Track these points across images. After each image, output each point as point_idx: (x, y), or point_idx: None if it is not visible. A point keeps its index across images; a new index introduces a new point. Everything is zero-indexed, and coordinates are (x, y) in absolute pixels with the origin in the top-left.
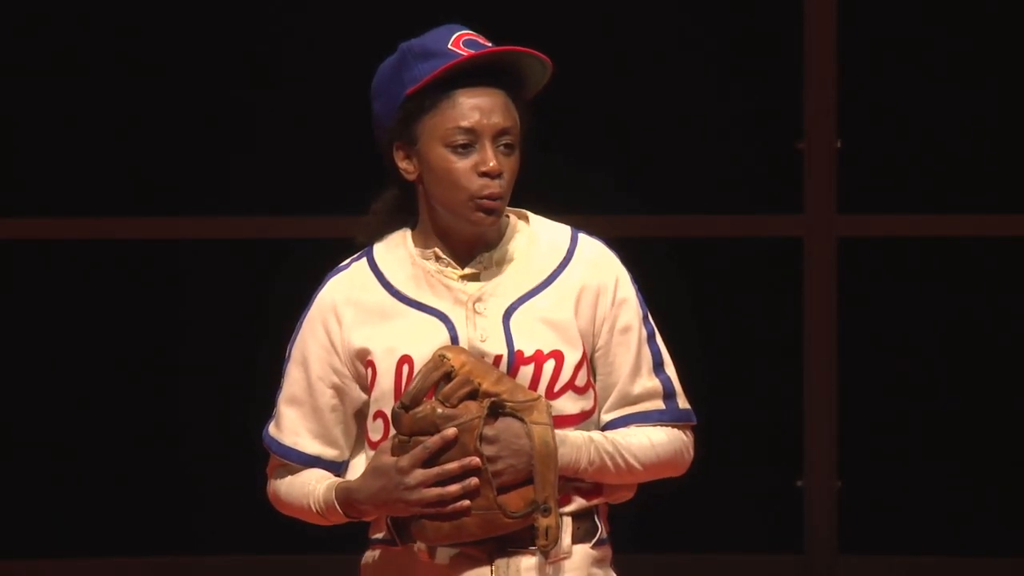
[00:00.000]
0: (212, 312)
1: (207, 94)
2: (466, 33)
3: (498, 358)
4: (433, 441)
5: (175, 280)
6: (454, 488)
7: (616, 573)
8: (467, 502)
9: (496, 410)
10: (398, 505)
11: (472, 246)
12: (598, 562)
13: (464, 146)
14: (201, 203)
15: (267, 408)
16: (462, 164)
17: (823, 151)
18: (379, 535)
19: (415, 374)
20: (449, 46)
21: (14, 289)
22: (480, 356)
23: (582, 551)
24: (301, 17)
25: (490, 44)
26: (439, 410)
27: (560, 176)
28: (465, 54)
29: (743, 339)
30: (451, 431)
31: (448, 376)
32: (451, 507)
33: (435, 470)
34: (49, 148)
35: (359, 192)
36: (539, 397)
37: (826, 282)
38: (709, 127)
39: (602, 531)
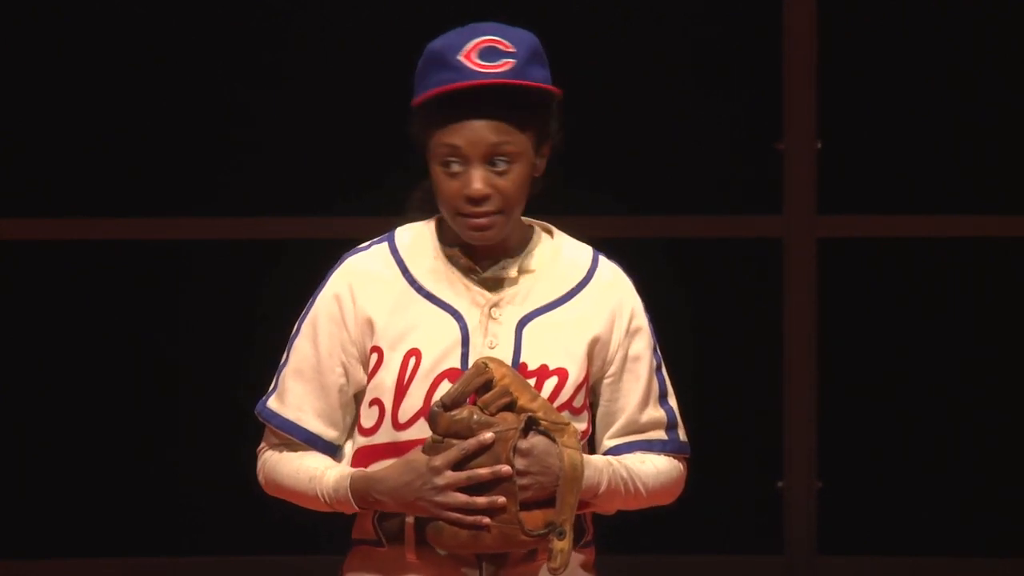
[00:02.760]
0: (211, 312)
1: (207, 94)
2: (485, 40)
3: None
4: (470, 443)
5: (174, 280)
6: (481, 500)
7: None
8: (487, 519)
9: (531, 426)
10: (421, 504)
11: (494, 251)
12: (584, 563)
13: (455, 166)
14: (201, 203)
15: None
16: (452, 185)
17: (803, 152)
18: (364, 536)
19: (458, 378)
20: (461, 57)
21: (14, 289)
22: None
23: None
24: (301, 17)
25: (514, 49)
26: (476, 416)
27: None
28: (473, 67)
29: (722, 340)
30: (489, 435)
31: (488, 384)
32: (472, 518)
33: (465, 473)
34: (49, 148)
35: (358, 192)
36: (570, 423)
37: (806, 283)
38: (688, 128)
39: (587, 533)
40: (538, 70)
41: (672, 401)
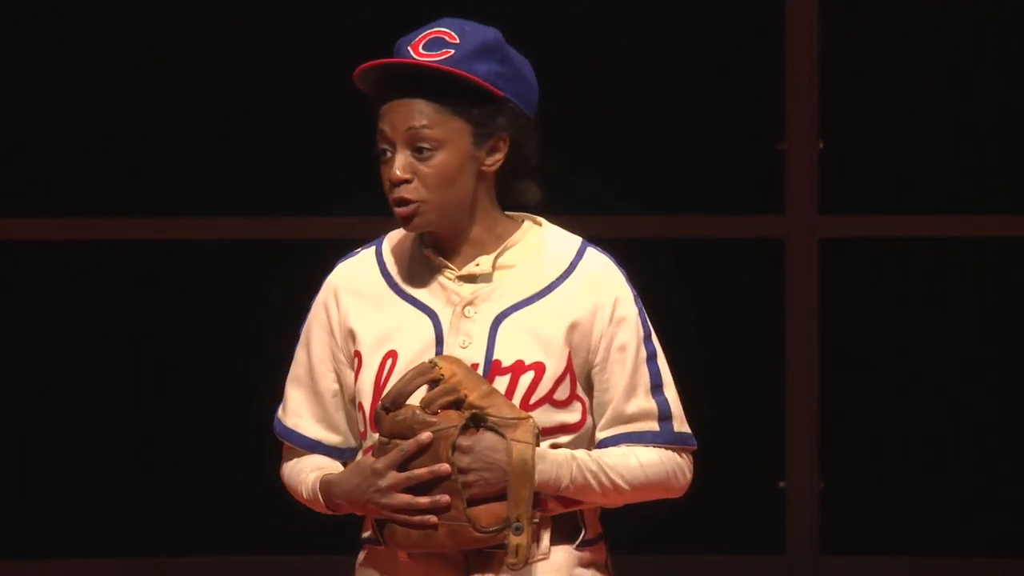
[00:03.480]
0: (211, 313)
1: (207, 95)
2: (435, 32)
3: (474, 366)
4: (408, 444)
5: (174, 280)
6: (423, 500)
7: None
8: (434, 518)
9: (477, 422)
10: (370, 507)
11: (466, 247)
12: (585, 564)
13: (387, 153)
14: (201, 203)
15: (264, 410)
16: (384, 171)
17: (805, 152)
18: (367, 534)
19: (401, 377)
20: (409, 47)
21: (14, 289)
22: (471, 368)
23: (563, 552)
24: (301, 17)
25: (458, 41)
26: (418, 414)
27: (542, 177)
28: (412, 56)
29: (725, 340)
30: (426, 435)
31: (436, 384)
32: (418, 518)
33: (405, 474)
34: (49, 148)
35: (358, 192)
36: (528, 417)
37: (807, 283)
38: (690, 128)
39: (587, 532)
40: (484, 64)
41: (669, 392)
